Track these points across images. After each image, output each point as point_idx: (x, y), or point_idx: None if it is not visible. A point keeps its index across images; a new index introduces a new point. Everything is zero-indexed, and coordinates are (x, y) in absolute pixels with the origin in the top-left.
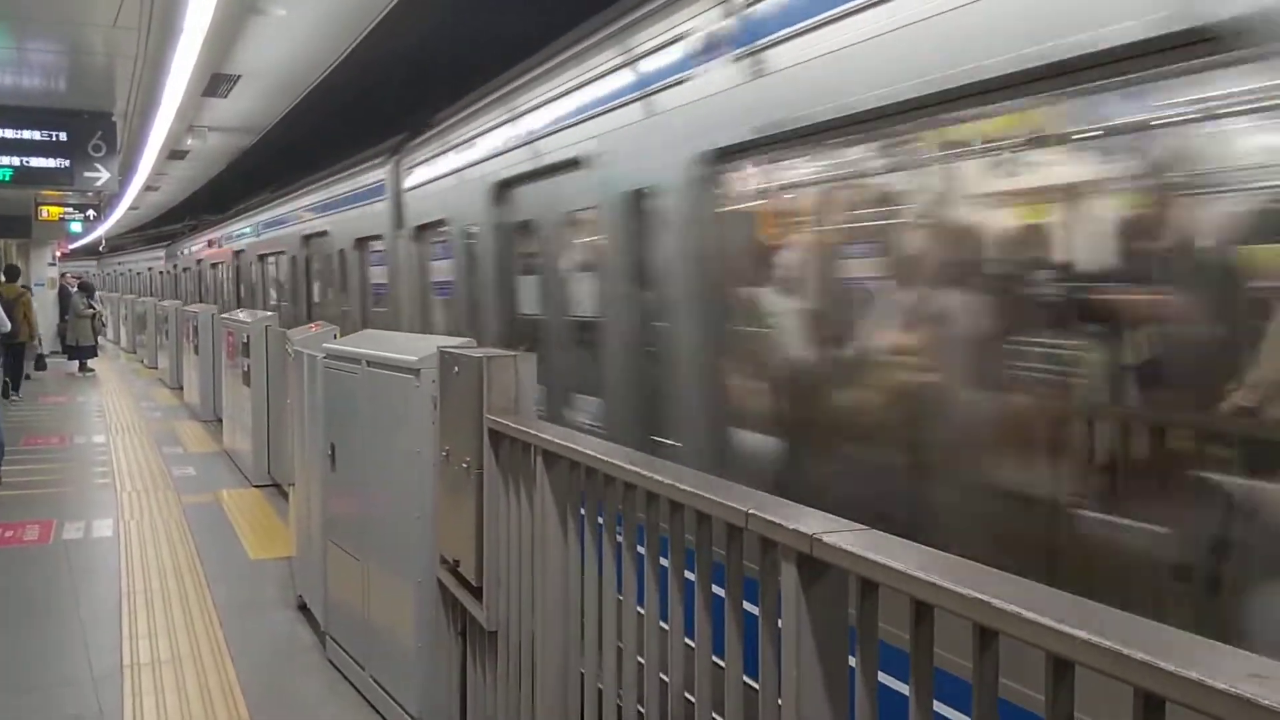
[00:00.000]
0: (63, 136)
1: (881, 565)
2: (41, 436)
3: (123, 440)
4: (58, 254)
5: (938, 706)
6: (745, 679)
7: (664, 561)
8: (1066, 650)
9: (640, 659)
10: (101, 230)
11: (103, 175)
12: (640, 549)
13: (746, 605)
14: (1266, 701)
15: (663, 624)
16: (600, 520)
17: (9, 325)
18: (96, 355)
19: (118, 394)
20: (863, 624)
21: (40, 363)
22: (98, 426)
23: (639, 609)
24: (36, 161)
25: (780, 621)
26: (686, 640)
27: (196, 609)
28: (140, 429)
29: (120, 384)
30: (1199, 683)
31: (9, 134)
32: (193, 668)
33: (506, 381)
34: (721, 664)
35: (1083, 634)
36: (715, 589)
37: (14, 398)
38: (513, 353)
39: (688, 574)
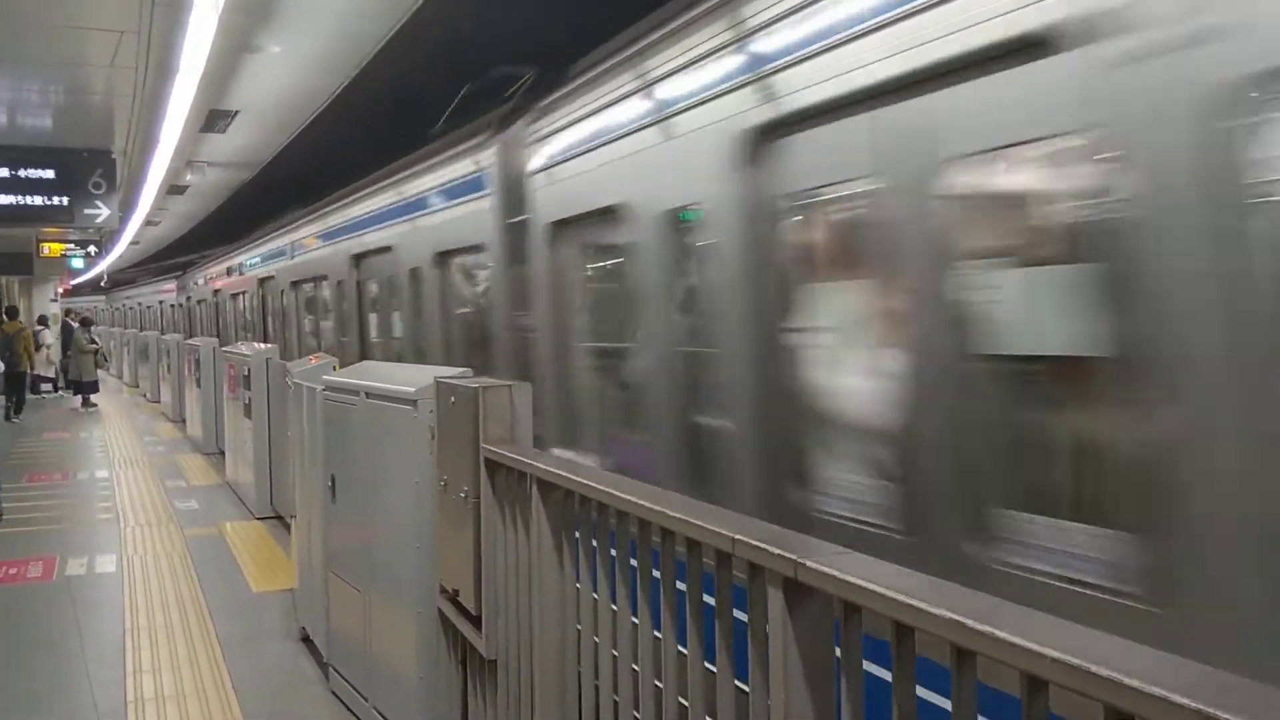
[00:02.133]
0: (63, 174)
1: (863, 588)
2: (44, 472)
3: (125, 475)
4: (60, 290)
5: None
6: (738, 688)
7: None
8: (1037, 668)
9: (635, 688)
10: (104, 265)
11: (103, 212)
12: (633, 568)
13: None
14: (1227, 717)
15: (656, 654)
16: (595, 547)
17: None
18: (99, 390)
19: (120, 428)
20: (847, 645)
21: (35, 386)
22: (100, 461)
23: (635, 636)
24: (37, 200)
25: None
26: (679, 653)
27: (200, 643)
28: (143, 463)
29: (123, 418)
30: (1162, 699)
31: (9, 173)
32: (196, 702)
33: (502, 411)
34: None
35: (1052, 652)
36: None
37: (15, 420)
38: (508, 382)
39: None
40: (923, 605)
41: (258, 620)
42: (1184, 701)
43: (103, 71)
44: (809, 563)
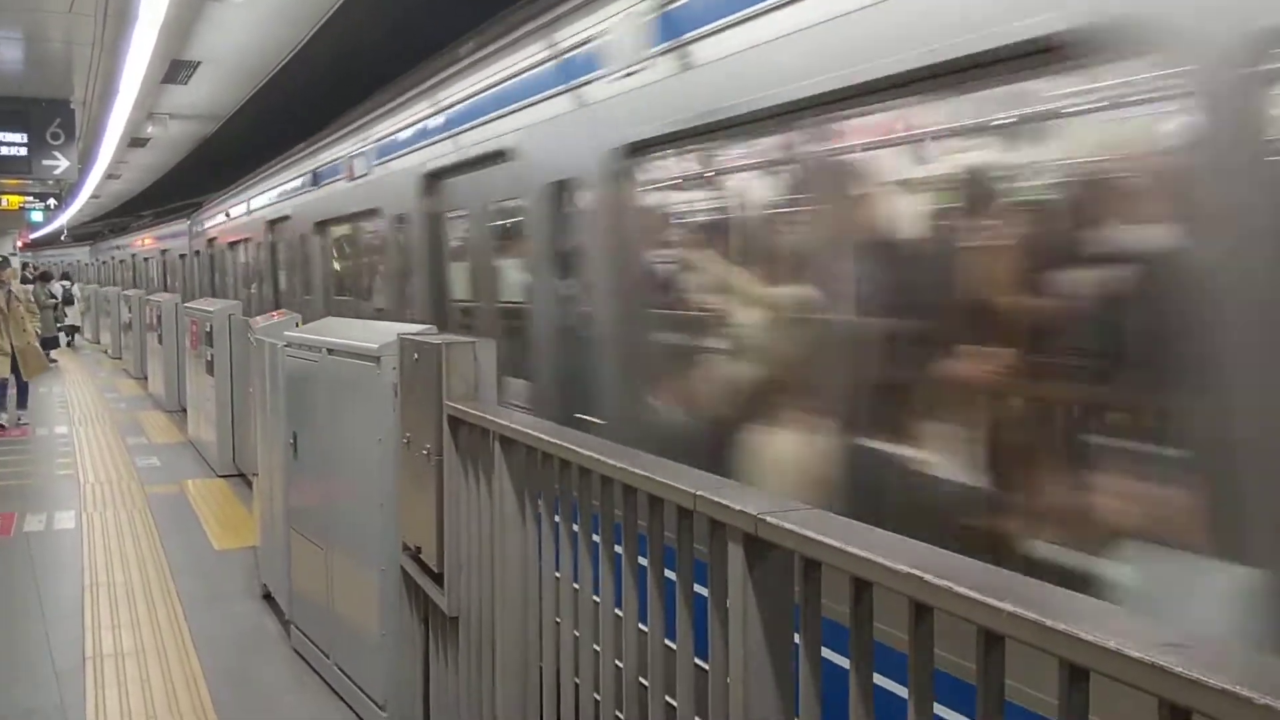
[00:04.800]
0: (20, 124)
1: (822, 544)
2: (1, 429)
3: (86, 431)
4: (18, 244)
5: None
6: (696, 660)
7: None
8: (994, 623)
9: (595, 644)
10: (64, 219)
11: (62, 163)
12: (595, 535)
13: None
14: (1178, 670)
15: (617, 610)
16: (558, 504)
17: None
18: (59, 345)
19: (81, 385)
20: (806, 601)
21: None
22: (60, 418)
23: (595, 594)
24: None
25: (728, 601)
26: (641, 626)
27: (160, 600)
28: (104, 420)
29: (84, 375)
30: (1116, 652)
31: None
32: (156, 659)
33: (466, 367)
34: (673, 645)
35: (1008, 607)
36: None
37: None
38: (471, 339)
39: (641, 559)
40: (881, 560)
41: (219, 578)
42: (1137, 655)
43: (61, 18)
44: (769, 519)
